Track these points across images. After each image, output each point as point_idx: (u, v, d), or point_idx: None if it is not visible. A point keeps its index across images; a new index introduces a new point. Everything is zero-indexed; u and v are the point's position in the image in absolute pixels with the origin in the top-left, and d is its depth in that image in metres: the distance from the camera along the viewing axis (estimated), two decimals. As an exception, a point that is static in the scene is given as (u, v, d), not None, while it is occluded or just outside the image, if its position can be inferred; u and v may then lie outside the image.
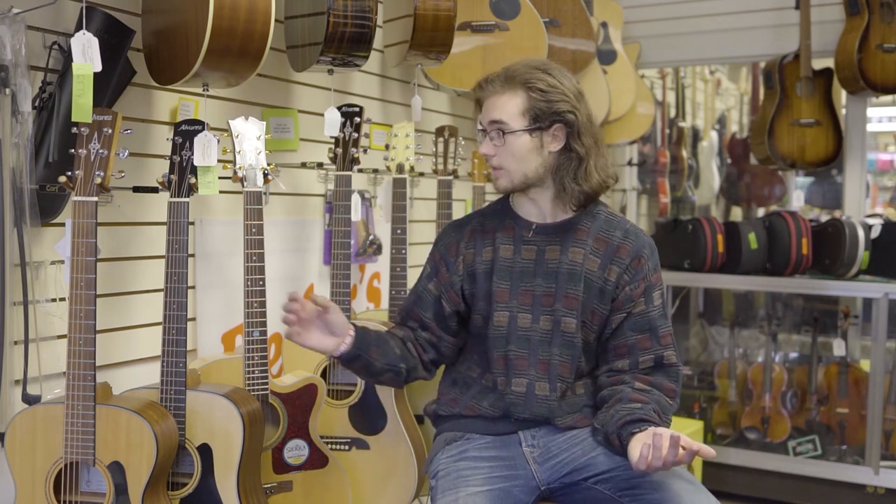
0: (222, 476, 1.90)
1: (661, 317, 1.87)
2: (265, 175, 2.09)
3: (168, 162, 1.93)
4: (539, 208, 1.91)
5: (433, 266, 2.01)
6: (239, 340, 2.47)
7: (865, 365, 3.62)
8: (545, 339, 1.85)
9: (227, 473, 1.90)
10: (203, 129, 1.91)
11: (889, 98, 4.24)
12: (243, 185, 2.06)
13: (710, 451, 1.55)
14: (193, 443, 1.90)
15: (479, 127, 1.90)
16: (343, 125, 2.44)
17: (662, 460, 1.55)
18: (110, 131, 1.75)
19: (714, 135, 5.57)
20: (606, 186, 1.87)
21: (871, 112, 4.14)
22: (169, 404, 1.90)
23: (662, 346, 1.85)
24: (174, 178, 1.92)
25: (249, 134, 2.07)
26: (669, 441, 1.54)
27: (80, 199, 1.73)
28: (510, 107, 1.81)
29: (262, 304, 2.07)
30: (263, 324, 2.08)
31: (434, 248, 2.03)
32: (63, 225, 1.90)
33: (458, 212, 3.16)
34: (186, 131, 1.92)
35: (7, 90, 1.76)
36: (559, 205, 1.89)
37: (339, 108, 2.44)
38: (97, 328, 1.75)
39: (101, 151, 1.74)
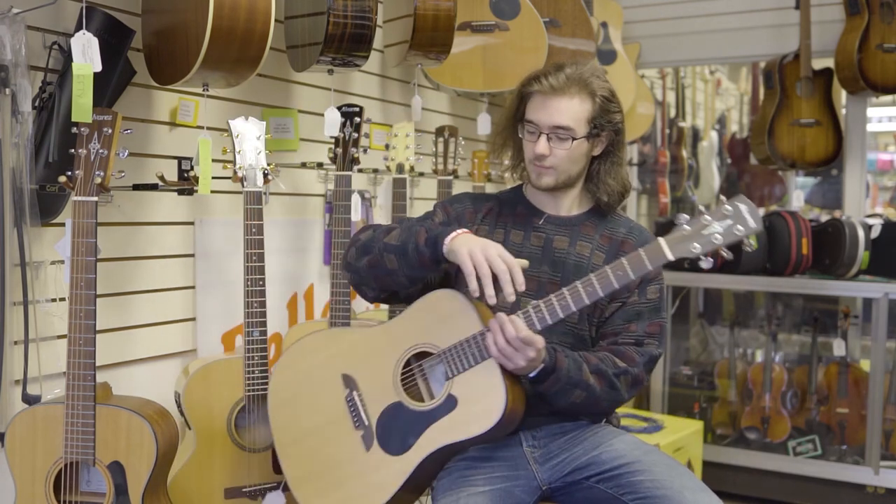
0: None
1: (652, 310, 1.87)
2: (265, 175, 2.09)
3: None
4: (556, 202, 1.93)
5: (445, 216, 1.95)
6: (239, 340, 2.47)
7: (865, 365, 3.62)
8: (546, 327, 1.86)
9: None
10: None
11: (889, 98, 4.23)
12: (243, 185, 2.06)
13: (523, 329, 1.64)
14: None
15: (529, 120, 1.85)
16: (343, 125, 2.44)
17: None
18: (110, 131, 1.75)
19: (714, 135, 5.57)
20: (629, 188, 1.95)
21: (871, 112, 4.14)
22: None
23: (646, 335, 1.85)
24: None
25: (249, 134, 2.07)
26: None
27: (80, 199, 1.74)
28: (580, 113, 1.82)
29: (262, 304, 2.07)
30: (263, 324, 2.08)
31: (447, 204, 1.96)
32: (63, 225, 1.90)
33: (458, 212, 3.15)
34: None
35: (7, 90, 1.76)
36: (577, 200, 1.93)
37: (339, 108, 2.44)
38: (97, 328, 1.75)
39: (101, 151, 1.74)
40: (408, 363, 1.79)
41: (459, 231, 1.72)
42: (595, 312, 1.87)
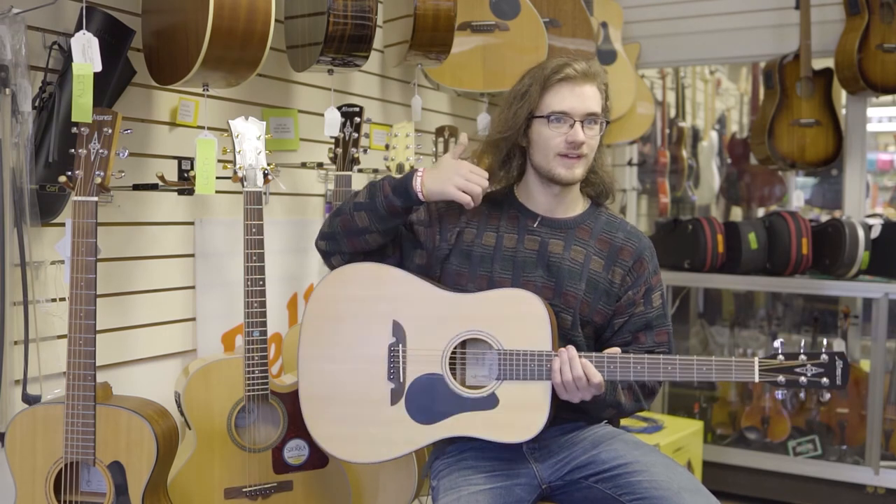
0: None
1: (659, 316, 1.91)
2: (265, 175, 2.09)
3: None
4: (556, 202, 1.91)
5: (427, 214, 1.95)
6: (239, 340, 2.47)
7: (865, 365, 3.62)
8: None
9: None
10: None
11: (889, 98, 4.23)
12: (243, 185, 2.06)
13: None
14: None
15: (560, 111, 1.82)
16: (343, 125, 2.44)
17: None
18: (110, 131, 1.75)
19: (714, 135, 5.56)
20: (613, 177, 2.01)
21: (871, 112, 4.14)
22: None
23: (656, 343, 1.89)
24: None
25: (249, 134, 2.07)
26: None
27: (80, 198, 1.74)
28: (599, 99, 1.87)
29: (262, 304, 2.07)
30: (263, 324, 2.08)
31: (429, 203, 1.92)
32: (63, 225, 1.90)
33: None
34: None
35: (7, 90, 1.76)
36: (575, 199, 1.94)
37: (339, 108, 2.44)
38: (97, 328, 1.75)
39: (101, 151, 1.74)
40: (462, 343, 1.81)
41: (419, 172, 1.83)
42: (596, 318, 1.87)
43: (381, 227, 1.85)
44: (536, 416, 1.73)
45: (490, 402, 1.76)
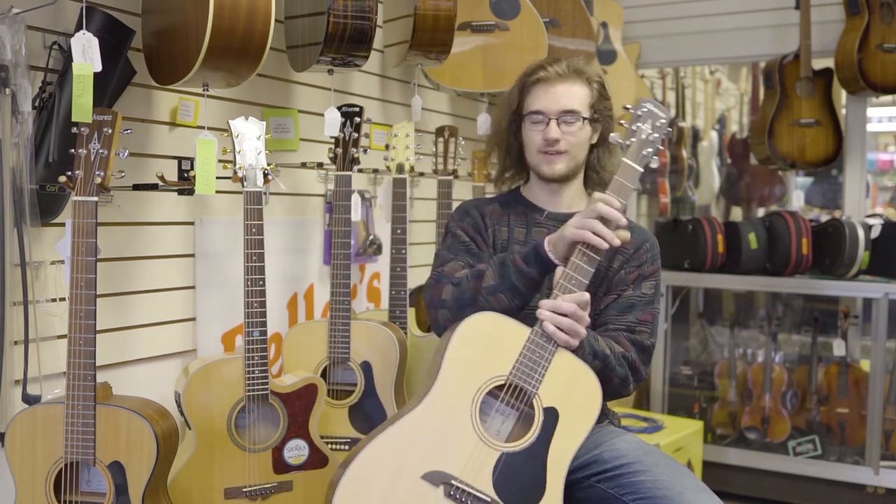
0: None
1: (645, 303, 1.91)
2: (265, 175, 2.09)
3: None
4: (556, 198, 1.98)
5: (465, 234, 1.97)
6: (239, 340, 2.47)
7: (865, 365, 3.62)
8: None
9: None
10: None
11: (889, 98, 4.23)
12: (243, 185, 2.06)
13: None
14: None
15: (535, 110, 1.92)
16: (343, 125, 2.44)
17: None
18: (110, 131, 1.75)
19: (714, 135, 5.56)
20: None
21: (871, 112, 4.13)
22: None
23: (638, 322, 1.88)
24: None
25: (249, 134, 2.07)
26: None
27: (80, 199, 1.73)
28: (583, 98, 1.91)
29: (262, 304, 2.07)
30: (263, 324, 2.08)
31: (458, 223, 1.98)
32: (63, 225, 1.90)
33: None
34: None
35: (7, 90, 1.76)
36: (576, 196, 1.99)
37: (339, 108, 2.44)
38: (97, 328, 1.75)
39: (101, 151, 1.74)
40: (482, 410, 1.66)
41: (541, 240, 1.79)
42: (594, 307, 1.88)
43: (520, 303, 1.79)
44: (586, 378, 1.66)
45: (551, 416, 1.63)
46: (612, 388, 1.82)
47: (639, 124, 1.74)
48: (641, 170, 1.72)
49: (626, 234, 1.76)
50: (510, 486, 1.60)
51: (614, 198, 1.70)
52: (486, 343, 1.69)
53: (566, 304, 1.67)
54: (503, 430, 1.67)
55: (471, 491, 1.60)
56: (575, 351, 1.72)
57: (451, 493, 1.60)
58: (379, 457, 1.63)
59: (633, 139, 1.73)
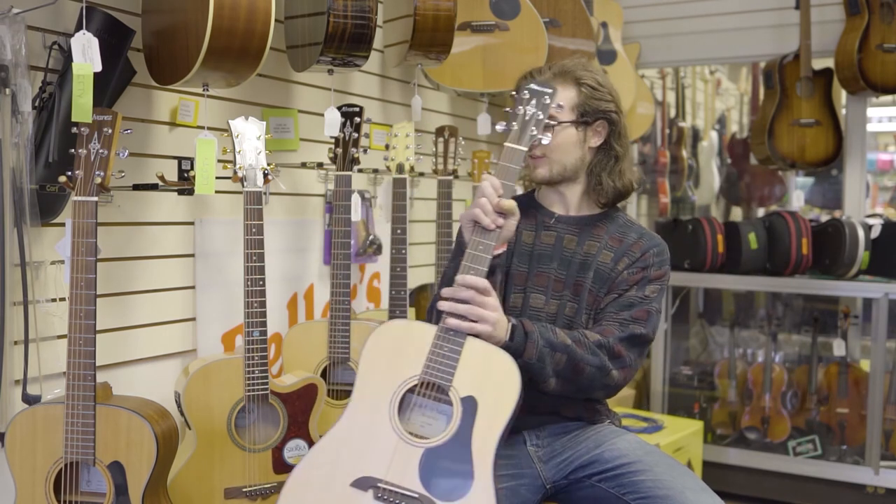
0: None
1: (646, 304, 1.87)
2: (265, 175, 2.09)
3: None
4: (565, 202, 1.97)
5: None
6: (239, 340, 2.47)
7: (865, 365, 3.62)
8: (550, 322, 1.87)
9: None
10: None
11: (889, 98, 4.23)
12: (243, 185, 2.06)
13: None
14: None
15: None
16: (343, 125, 2.44)
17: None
18: (110, 131, 1.75)
19: (714, 135, 5.56)
20: (634, 187, 1.97)
21: (871, 112, 4.14)
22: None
23: (632, 319, 1.85)
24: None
25: (249, 134, 2.07)
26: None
27: (80, 199, 1.73)
28: (563, 101, 1.88)
29: (262, 304, 2.07)
30: (263, 324, 2.08)
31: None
32: (63, 225, 1.90)
33: (459, 212, 3.16)
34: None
35: (7, 90, 1.76)
36: (585, 200, 1.97)
37: (339, 108, 2.44)
38: (97, 328, 1.75)
39: (101, 151, 1.74)
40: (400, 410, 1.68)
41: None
42: (594, 304, 1.88)
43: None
44: (497, 357, 1.65)
45: (470, 405, 1.65)
46: (588, 379, 1.77)
47: (520, 107, 1.76)
48: (525, 149, 1.75)
49: (507, 203, 1.73)
50: (437, 480, 1.61)
51: (496, 179, 1.73)
52: (396, 348, 1.71)
53: (463, 291, 1.66)
54: (427, 428, 1.68)
55: (399, 490, 1.61)
56: (524, 343, 1.70)
57: (380, 495, 1.62)
58: (309, 472, 1.67)
59: (515, 123, 1.76)
